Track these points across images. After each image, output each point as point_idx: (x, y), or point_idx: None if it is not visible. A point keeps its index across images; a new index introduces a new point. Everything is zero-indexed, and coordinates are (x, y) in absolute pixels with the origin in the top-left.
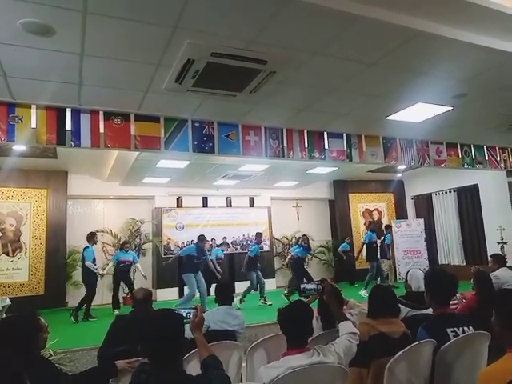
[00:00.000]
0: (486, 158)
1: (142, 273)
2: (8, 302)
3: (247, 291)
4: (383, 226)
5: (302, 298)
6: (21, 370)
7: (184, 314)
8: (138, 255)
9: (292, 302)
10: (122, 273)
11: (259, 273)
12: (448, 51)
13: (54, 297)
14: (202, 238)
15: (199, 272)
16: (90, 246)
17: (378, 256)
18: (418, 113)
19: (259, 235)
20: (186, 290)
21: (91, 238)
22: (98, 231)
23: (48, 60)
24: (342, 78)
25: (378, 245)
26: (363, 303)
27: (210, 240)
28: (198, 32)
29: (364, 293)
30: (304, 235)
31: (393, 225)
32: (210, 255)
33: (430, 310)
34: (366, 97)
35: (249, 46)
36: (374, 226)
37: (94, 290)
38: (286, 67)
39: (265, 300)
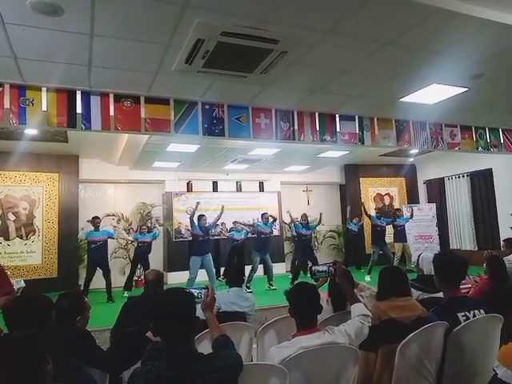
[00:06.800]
0: (502, 141)
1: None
2: (22, 283)
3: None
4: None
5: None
6: (41, 346)
7: (195, 294)
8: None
9: (296, 284)
10: (142, 254)
11: (255, 257)
12: (466, 29)
13: (66, 279)
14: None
15: (208, 253)
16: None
17: (385, 241)
18: (432, 94)
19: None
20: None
21: (92, 221)
22: (109, 215)
23: (57, 41)
24: (356, 58)
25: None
26: (373, 287)
27: (220, 224)
28: (208, 10)
29: (367, 278)
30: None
31: (404, 209)
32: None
33: (441, 294)
34: (379, 78)
35: (260, 25)
36: (380, 212)
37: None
38: (297, 47)
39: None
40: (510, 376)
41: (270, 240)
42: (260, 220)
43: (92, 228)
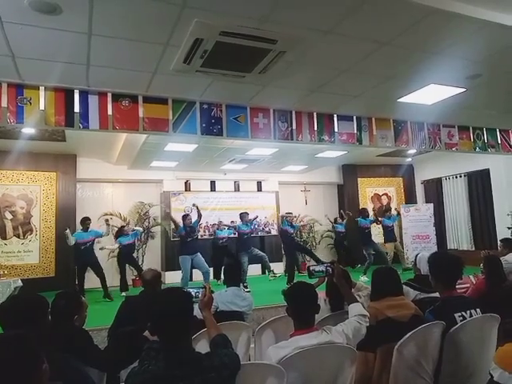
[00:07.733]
0: (499, 141)
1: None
2: (20, 283)
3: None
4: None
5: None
6: (36, 346)
7: (193, 294)
8: (147, 238)
9: (295, 283)
10: (125, 255)
11: (243, 258)
12: (464, 29)
13: (64, 279)
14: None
15: (197, 253)
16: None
17: (374, 240)
18: (430, 95)
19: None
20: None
21: (82, 222)
22: (106, 214)
23: (55, 40)
24: (354, 58)
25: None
26: (369, 286)
27: (217, 223)
28: (207, 10)
29: (364, 278)
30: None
31: (402, 209)
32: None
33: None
34: (377, 78)
35: (258, 25)
36: (363, 212)
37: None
38: (296, 47)
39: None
40: (507, 378)
41: (251, 238)
42: (241, 221)
43: (79, 229)
